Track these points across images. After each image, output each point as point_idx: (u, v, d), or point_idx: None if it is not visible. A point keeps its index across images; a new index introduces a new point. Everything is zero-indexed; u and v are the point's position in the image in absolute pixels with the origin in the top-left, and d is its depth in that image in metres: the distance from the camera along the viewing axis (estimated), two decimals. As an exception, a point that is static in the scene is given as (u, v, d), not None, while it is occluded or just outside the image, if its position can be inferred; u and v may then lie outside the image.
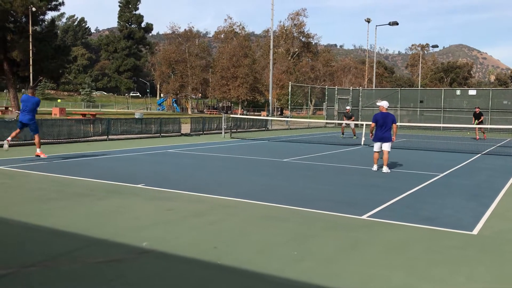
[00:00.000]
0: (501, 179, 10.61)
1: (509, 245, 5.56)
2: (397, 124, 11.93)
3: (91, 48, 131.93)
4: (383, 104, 11.69)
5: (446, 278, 4.43)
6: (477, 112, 25.14)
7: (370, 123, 12.10)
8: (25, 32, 41.18)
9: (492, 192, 8.99)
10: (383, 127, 11.41)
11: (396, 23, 47.64)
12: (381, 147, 11.51)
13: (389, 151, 11.45)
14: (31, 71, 39.89)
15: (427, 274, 4.55)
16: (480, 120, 25.04)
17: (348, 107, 26.05)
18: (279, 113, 64.92)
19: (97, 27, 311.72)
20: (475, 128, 24.67)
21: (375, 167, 11.68)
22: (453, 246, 5.46)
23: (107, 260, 4.73)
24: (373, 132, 11.82)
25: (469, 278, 4.44)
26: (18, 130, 12.38)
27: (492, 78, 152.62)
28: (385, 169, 11.34)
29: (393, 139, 11.56)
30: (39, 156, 12.38)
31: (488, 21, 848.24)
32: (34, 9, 40.11)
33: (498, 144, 21.43)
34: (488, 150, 18.22)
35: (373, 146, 11.84)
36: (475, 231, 6.09)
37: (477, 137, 24.64)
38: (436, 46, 73.29)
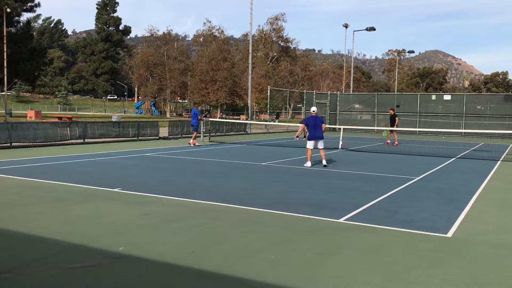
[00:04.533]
0: (475, 183, 10.84)
1: (482, 247, 5.68)
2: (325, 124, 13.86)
3: (67, 51, 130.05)
4: (313, 109, 13.86)
5: (422, 281, 4.50)
6: (392, 114, 23.11)
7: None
8: (-1, 34, 40.35)
9: (466, 195, 9.18)
10: (315, 127, 13.27)
11: (373, 29, 48.27)
12: (315, 145, 13.27)
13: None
14: (5, 73, 39.01)
15: (404, 277, 4.62)
16: (395, 124, 22.97)
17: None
18: (274, 116, 65.27)
19: (74, 29, 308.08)
20: (389, 131, 23.35)
21: (309, 163, 13.07)
22: (429, 249, 5.55)
23: (83, 265, 4.66)
24: (306, 132, 13.43)
25: (443, 280, 4.53)
26: (195, 133, 20.44)
27: (466, 83, 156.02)
28: (324, 162, 13.20)
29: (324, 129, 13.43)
30: (194, 144, 19.51)
31: (463, 28, 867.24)
32: (8, 10, 39.31)
33: (472, 148, 21.87)
34: (462, 154, 18.59)
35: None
36: (450, 234, 6.21)
37: (389, 141, 23.39)
38: (412, 52, 74.41)
